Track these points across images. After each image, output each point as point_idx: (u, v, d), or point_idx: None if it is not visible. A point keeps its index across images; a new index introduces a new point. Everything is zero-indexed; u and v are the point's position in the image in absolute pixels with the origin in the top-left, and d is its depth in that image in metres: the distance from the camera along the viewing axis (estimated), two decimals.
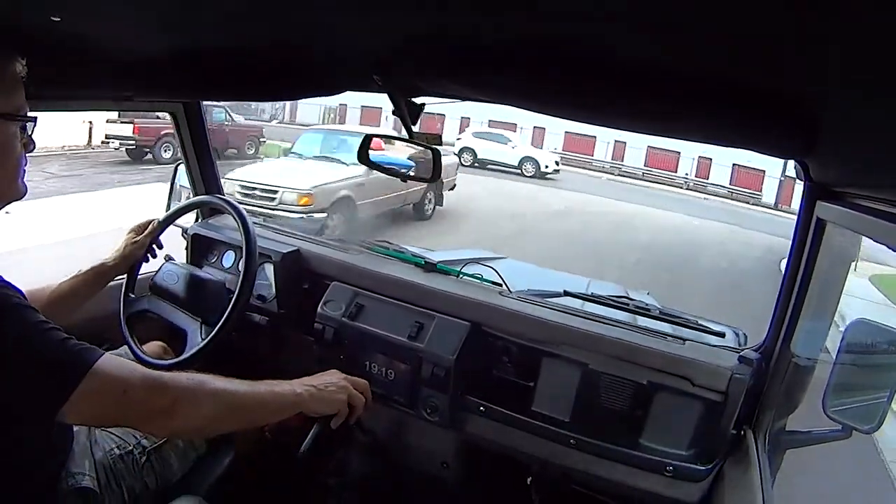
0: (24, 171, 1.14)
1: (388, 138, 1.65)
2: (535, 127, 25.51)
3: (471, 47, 0.94)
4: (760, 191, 25.34)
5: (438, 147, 1.43)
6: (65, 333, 1.00)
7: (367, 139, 1.53)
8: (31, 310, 0.98)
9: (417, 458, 1.88)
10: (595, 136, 26.75)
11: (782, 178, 23.69)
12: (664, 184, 25.41)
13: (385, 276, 1.85)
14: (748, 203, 23.72)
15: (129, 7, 1.01)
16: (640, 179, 25.99)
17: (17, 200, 1.13)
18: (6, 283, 0.99)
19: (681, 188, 25.27)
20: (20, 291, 1.01)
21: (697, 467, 1.46)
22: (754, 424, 1.47)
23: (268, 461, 1.84)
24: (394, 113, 1.39)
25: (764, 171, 24.59)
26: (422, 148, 1.43)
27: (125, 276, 1.85)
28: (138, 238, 1.80)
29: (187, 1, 0.95)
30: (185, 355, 1.66)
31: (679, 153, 26.52)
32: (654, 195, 20.04)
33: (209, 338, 1.66)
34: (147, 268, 1.91)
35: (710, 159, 25.89)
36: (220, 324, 1.67)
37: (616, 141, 26.90)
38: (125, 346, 1.74)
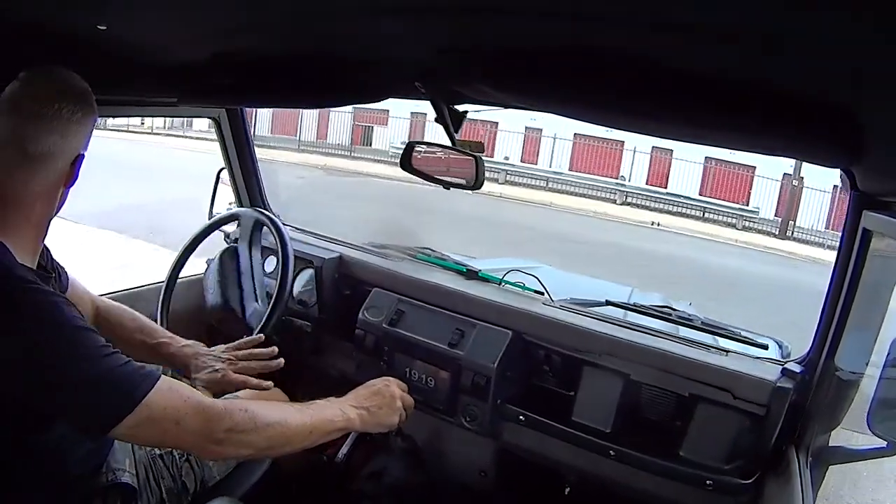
0: None
1: (432, 146, 1.66)
2: (412, 112, 16.76)
3: (513, 55, 0.96)
4: (748, 202, 15.88)
5: (481, 154, 1.45)
6: (125, 357, 1.01)
7: (410, 146, 1.56)
8: (93, 332, 1.00)
9: (455, 466, 1.88)
10: (497, 123, 17.14)
11: (794, 182, 14.47)
12: (585, 195, 15.94)
13: (426, 284, 1.86)
14: (735, 227, 14.76)
15: (173, 15, 1.04)
16: (544, 189, 16.16)
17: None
18: (69, 303, 1.01)
19: (614, 203, 15.73)
20: (80, 313, 1.02)
21: (738, 481, 1.44)
22: (796, 439, 1.45)
23: (305, 465, 1.86)
24: (436, 120, 1.41)
25: (754, 169, 15.86)
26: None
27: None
28: (228, 375, 1.46)
29: (231, 9, 0.99)
30: None
31: (623, 143, 16.95)
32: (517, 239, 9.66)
33: None
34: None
35: (671, 152, 16.51)
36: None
37: (528, 128, 17.90)
38: None
